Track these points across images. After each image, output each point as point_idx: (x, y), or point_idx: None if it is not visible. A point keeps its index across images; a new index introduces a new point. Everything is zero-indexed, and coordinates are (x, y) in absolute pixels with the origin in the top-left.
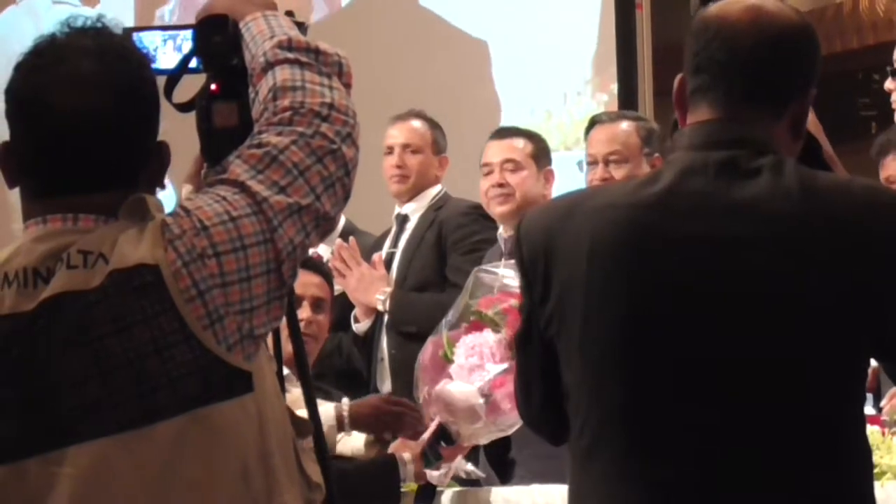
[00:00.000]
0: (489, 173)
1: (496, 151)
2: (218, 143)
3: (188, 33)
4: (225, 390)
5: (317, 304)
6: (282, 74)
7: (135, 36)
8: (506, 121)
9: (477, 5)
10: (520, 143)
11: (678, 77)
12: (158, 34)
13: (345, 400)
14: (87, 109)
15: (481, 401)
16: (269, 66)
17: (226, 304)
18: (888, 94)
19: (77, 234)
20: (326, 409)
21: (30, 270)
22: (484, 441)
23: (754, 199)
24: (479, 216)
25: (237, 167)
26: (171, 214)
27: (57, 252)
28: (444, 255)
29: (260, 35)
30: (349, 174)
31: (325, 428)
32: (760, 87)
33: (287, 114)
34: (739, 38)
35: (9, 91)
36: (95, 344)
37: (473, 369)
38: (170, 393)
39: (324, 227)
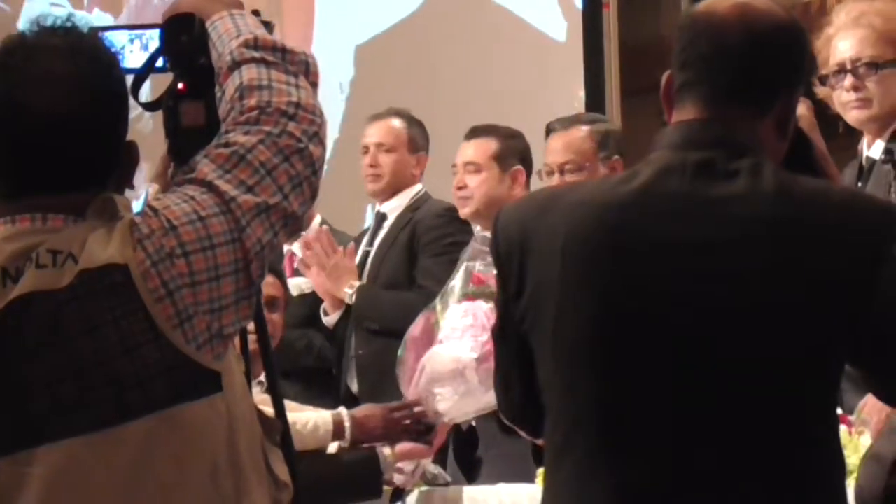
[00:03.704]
0: (456, 174)
1: (461, 153)
2: (185, 143)
3: (154, 33)
4: (195, 390)
5: (270, 303)
6: (248, 73)
7: (102, 35)
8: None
9: (452, 11)
10: (484, 143)
11: (666, 73)
12: (125, 33)
13: (342, 409)
14: (59, 109)
15: (473, 356)
16: (236, 65)
17: (195, 304)
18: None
19: (46, 233)
20: (323, 416)
21: None
22: (463, 418)
23: (729, 200)
24: (453, 218)
25: (205, 167)
26: (139, 214)
27: (26, 251)
28: (416, 255)
29: (226, 34)
30: (316, 173)
31: (321, 433)
32: (745, 84)
33: (254, 113)
34: (726, 35)
35: None
36: (66, 344)
37: (467, 329)
38: (140, 393)
39: (291, 226)
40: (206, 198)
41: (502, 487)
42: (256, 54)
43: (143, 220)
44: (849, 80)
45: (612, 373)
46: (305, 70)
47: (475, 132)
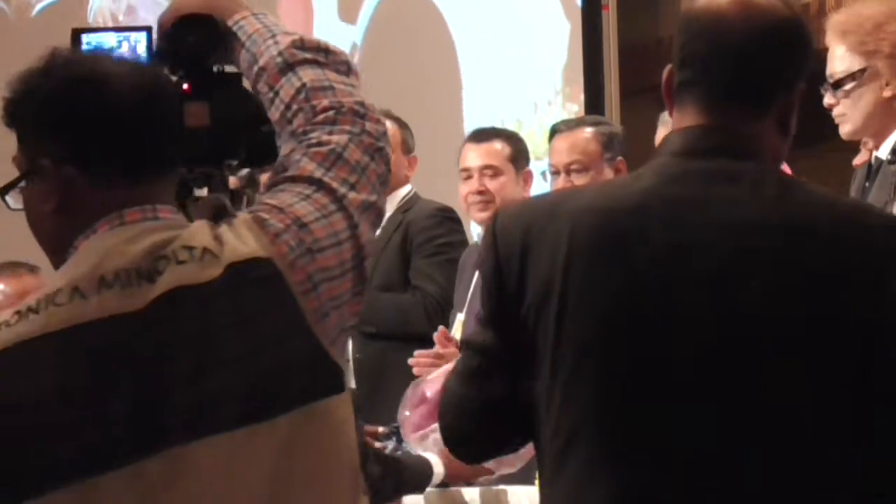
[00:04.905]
0: (468, 178)
1: (475, 156)
2: (190, 144)
3: (141, 35)
4: (332, 385)
5: None
6: (308, 75)
7: (87, 36)
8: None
9: (449, 13)
10: (498, 146)
11: (667, 68)
12: (113, 35)
13: None
14: (143, 88)
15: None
16: (289, 66)
17: (330, 299)
18: (828, 109)
19: (166, 229)
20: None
21: (132, 270)
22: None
23: (732, 206)
24: (445, 218)
25: (307, 164)
26: (261, 211)
27: (158, 249)
28: (409, 257)
29: (257, 34)
30: (390, 172)
31: None
32: (745, 80)
33: (330, 113)
34: (725, 31)
35: (40, 88)
36: (216, 337)
37: None
38: (287, 386)
39: (378, 224)
40: (320, 196)
41: (502, 489)
42: (308, 55)
43: (272, 217)
44: (825, 99)
45: (615, 378)
46: (348, 70)
47: (482, 136)
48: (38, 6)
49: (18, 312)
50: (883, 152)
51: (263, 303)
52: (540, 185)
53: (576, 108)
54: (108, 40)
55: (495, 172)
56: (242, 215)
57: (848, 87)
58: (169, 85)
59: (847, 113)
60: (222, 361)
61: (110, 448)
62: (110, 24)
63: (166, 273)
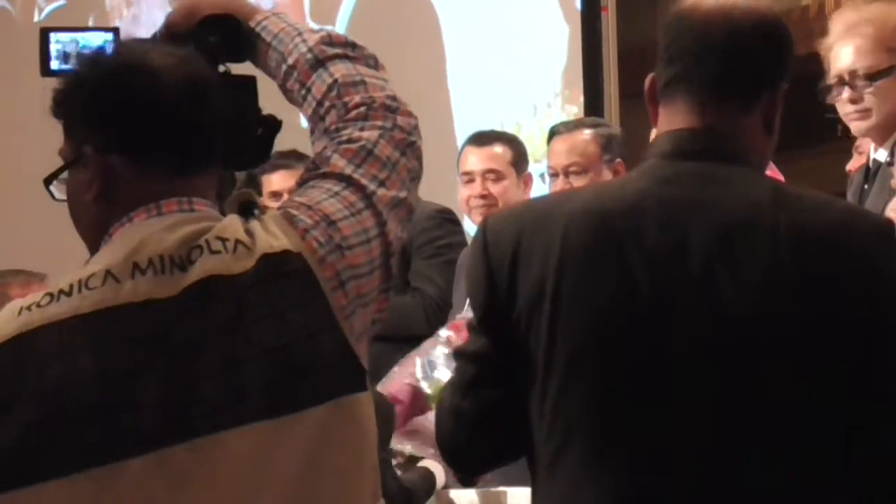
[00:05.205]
0: (470, 182)
1: (477, 160)
2: None
3: (108, 36)
4: (357, 382)
5: None
6: (340, 71)
7: (55, 35)
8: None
9: (448, 14)
10: (499, 149)
11: (649, 76)
12: (101, 35)
13: None
14: (191, 80)
15: None
16: (320, 62)
17: (357, 297)
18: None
19: (201, 220)
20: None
21: (166, 258)
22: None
23: (726, 209)
24: (444, 220)
25: (337, 161)
26: (290, 207)
27: (191, 239)
28: (409, 258)
29: (283, 33)
30: (422, 167)
31: None
32: (733, 76)
33: (361, 109)
34: (712, 28)
35: (90, 77)
36: (250, 327)
37: None
38: (316, 380)
39: (407, 220)
40: (349, 193)
41: (502, 490)
42: (338, 51)
43: (301, 213)
44: (846, 93)
45: (611, 379)
46: (375, 63)
47: (483, 139)
48: (47, 9)
49: (49, 294)
50: (882, 154)
51: (295, 296)
52: (539, 188)
53: (575, 110)
54: (95, 40)
55: (498, 176)
56: (271, 211)
57: (882, 81)
58: (214, 78)
59: (873, 108)
60: (253, 353)
61: (138, 434)
62: (124, 9)
63: (199, 262)
